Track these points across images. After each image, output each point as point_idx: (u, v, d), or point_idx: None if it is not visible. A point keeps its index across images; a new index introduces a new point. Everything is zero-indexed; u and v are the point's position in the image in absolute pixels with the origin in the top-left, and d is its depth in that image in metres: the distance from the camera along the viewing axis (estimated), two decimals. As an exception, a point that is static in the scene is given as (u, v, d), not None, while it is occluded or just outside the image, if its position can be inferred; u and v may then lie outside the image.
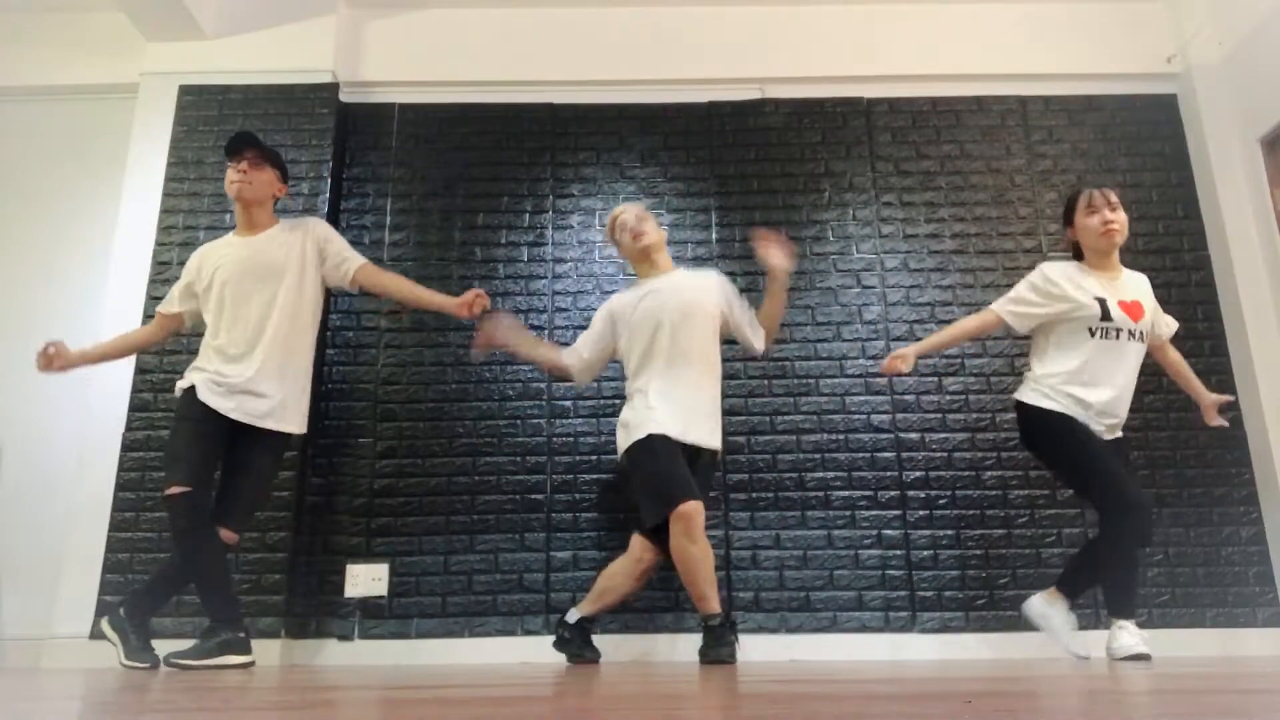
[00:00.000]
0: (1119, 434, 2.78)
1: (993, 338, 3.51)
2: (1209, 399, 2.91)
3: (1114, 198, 2.78)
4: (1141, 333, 2.75)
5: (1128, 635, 2.60)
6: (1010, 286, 3.54)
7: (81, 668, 2.90)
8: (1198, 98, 3.72)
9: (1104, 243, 2.76)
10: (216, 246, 2.82)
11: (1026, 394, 2.79)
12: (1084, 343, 2.73)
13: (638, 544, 2.75)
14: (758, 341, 2.97)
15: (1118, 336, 2.72)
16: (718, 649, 2.59)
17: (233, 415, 2.58)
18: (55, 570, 3.16)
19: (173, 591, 2.67)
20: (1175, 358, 2.98)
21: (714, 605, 2.63)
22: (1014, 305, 2.84)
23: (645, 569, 2.75)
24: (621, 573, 2.76)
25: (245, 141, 2.77)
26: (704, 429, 2.77)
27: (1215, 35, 3.77)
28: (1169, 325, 2.93)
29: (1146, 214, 3.66)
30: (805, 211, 3.68)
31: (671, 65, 3.85)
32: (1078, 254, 2.88)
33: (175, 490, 2.47)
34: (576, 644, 2.79)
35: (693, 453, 2.75)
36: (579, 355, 2.95)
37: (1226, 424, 2.96)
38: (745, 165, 3.74)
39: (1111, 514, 2.60)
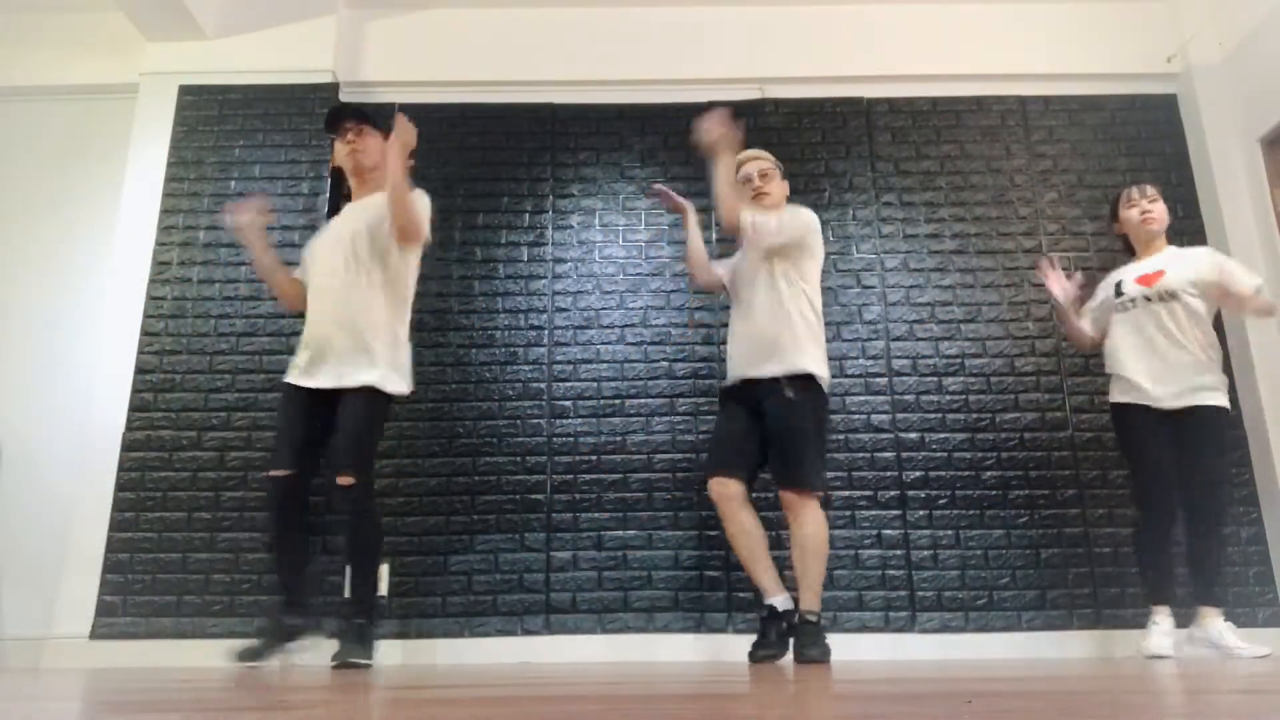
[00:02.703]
0: (1195, 401, 2.78)
1: (993, 337, 3.51)
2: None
3: (1151, 191, 3.02)
4: (1161, 293, 2.87)
5: (1160, 632, 2.77)
6: (1010, 287, 3.58)
7: (81, 668, 2.90)
8: (1198, 98, 3.72)
9: (1143, 230, 2.98)
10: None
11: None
12: (1114, 325, 2.98)
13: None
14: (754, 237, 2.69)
15: (1134, 305, 2.92)
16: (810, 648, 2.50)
17: (309, 385, 2.58)
18: (55, 570, 3.16)
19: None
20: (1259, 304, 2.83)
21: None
22: (1088, 312, 3.11)
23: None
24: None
25: (344, 114, 2.75)
26: (763, 364, 2.65)
27: (1215, 35, 3.77)
28: (1238, 282, 2.81)
29: (1146, 214, 3.66)
30: (805, 211, 3.67)
31: (671, 65, 3.85)
32: (1129, 248, 3.09)
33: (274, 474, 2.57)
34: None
35: (762, 388, 2.65)
36: (716, 271, 2.93)
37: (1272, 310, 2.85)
38: (745, 165, 3.73)
39: (1137, 508, 2.94)
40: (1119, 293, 2.97)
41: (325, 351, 2.59)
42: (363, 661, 2.47)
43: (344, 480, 2.49)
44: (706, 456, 2.92)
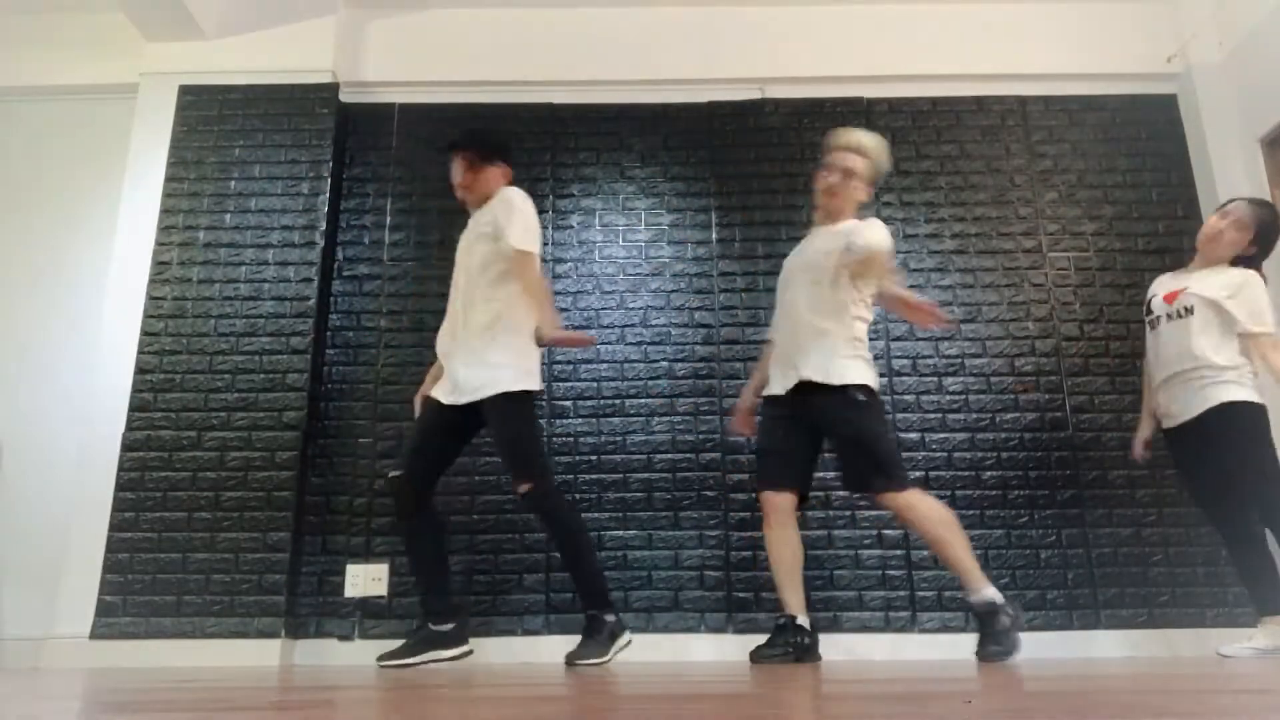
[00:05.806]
0: (1197, 412, 2.72)
1: (993, 337, 3.51)
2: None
3: (1234, 210, 2.83)
4: (1180, 310, 2.80)
5: None
6: (1010, 287, 3.58)
7: (81, 668, 2.90)
8: (1198, 98, 3.72)
9: (1203, 243, 2.89)
10: None
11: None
12: (1146, 345, 2.97)
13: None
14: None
15: (1156, 325, 2.89)
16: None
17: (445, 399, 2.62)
18: (55, 570, 3.16)
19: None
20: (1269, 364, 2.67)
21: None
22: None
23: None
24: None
25: (453, 148, 2.80)
26: (801, 369, 2.57)
27: (1215, 35, 3.77)
28: (1240, 316, 2.70)
29: (1146, 214, 3.66)
30: (805, 211, 3.67)
31: (671, 65, 3.85)
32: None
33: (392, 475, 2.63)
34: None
35: (802, 397, 2.58)
36: None
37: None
38: (745, 165, 3.73)
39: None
40: (1148, 310, 2.93)
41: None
42: (588, 661, 2.45)
43: (519, 488, 2.56)
44: (758, 464, 2.78)
